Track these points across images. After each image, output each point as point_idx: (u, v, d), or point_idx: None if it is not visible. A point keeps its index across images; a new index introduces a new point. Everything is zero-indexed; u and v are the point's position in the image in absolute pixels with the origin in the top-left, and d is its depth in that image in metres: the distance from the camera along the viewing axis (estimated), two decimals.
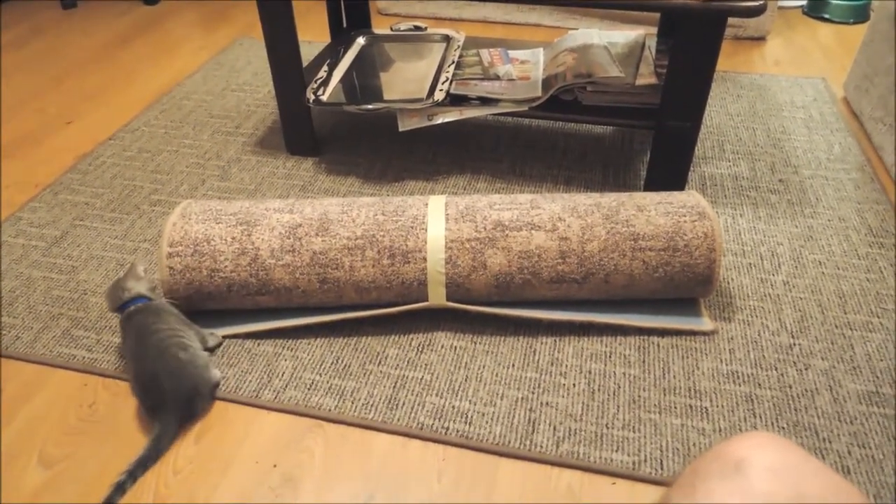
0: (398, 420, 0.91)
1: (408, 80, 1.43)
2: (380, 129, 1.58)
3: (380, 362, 0.99)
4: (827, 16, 2.18)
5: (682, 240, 0.98)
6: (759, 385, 0.95)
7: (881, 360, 0.98)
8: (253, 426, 0.91)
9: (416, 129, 1.33)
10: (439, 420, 0.91)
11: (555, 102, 1.31)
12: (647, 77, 1.33)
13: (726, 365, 0.98)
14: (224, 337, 1.03)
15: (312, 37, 2.05)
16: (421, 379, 0.97)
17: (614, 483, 0.84)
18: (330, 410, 0.93)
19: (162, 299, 0.98)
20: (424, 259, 0.98)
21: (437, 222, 1.00)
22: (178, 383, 0.88)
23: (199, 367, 0.91)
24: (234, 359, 1.00)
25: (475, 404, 0.93)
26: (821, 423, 0.89)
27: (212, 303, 1.02)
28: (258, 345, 1.02)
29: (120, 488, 0.82)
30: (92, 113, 1.70)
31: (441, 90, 1.33)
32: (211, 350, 0.99)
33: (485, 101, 1.33)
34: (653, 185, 1.29)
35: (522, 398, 0.94)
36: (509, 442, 0.88)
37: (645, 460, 0.85)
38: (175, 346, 0.90)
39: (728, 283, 1.12)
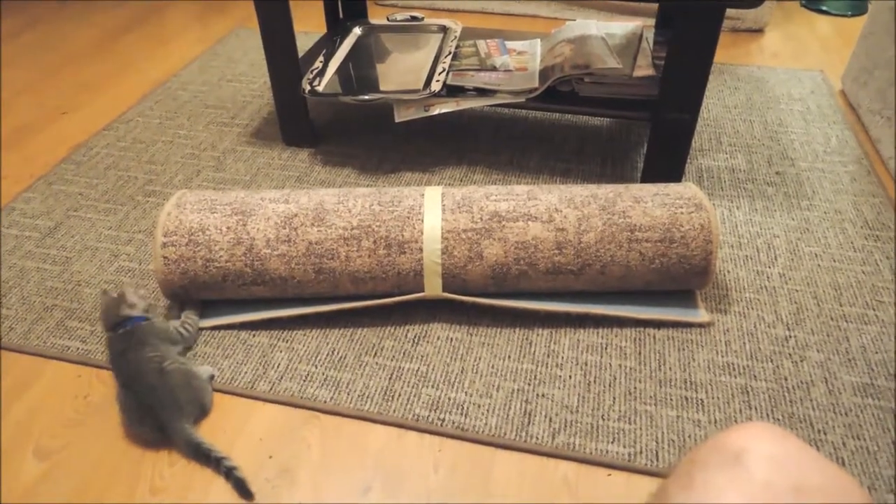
0: (394, 411, 0.91)
1: (404, 70, 1.42)
2: (376, 119, 1.58)
3: (375, 354, 0.99)
4: (825, 8, 2.17)
5: (678, 231, 0.98)
6: (755, 377, 0.95)
7: (876, 353, 0.98)
8: (248, 417, 0.91)
9: (412, 120, 1.33)
10: (435, 412, 0.91)
11: (552, 93, 1.31)
12: (644, 69, 1.32)
13: (722, 357, 0.98)
14: (219, 327, 1.03)
15: (308, 27, 2.04)
16: (417, 370, 0.96)
17: (610, 474, 0.84)
18: (326, 402, 0.92)
19: (155, 319, 0.97)
20: (420, 249, 0.98)
21: (434, 213, 0.99)
22: (178, 391, 0.88)
23: (190, 372, 0.91)
24: (229, 350, 1.00)
25: (471, 396, 0.93)
26: (816, 415, 0.89)
27: (207, 293, 1.02)
28: (253, 336, 1.02)
29: (240, 484, 0.82)
30: (87, 104, 1.69)
31: (438, 81, 1.32)
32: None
33: (481, 92, 1.32)
34: (650, 176, 1.29)
35: (518, 390, 0.93)
36: (505, 433, 0.88)
37: (641, 452, 0.85)
38: (158, 361, 0.89)
39: (724, 275, 1.12)
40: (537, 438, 0.87)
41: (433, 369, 0.97)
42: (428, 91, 1.30)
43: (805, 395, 0.92)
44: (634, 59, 1.35)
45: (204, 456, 0.84)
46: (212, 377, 0.94)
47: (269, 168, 1.41)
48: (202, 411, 0.90)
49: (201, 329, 1.03)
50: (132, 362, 0.89)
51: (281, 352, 0.99)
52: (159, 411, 0.86)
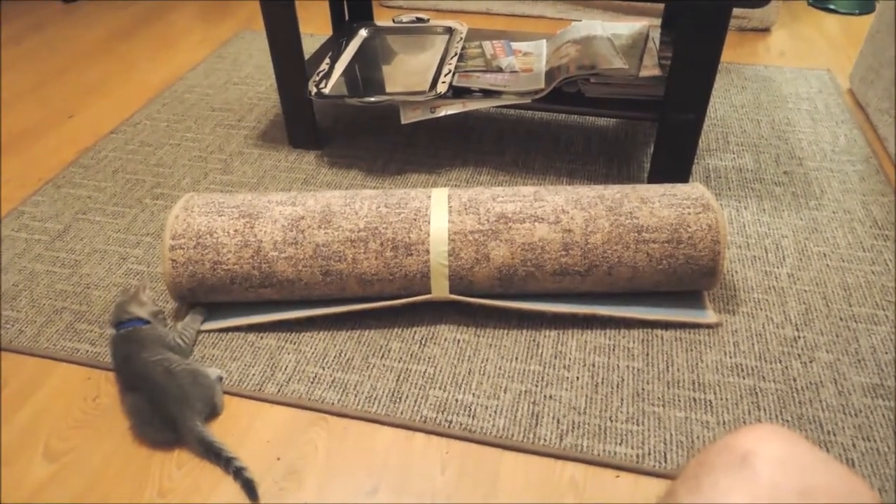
0: (401, 413, 0.91)
1: (410, 72, 1.43)
2: (382, 121, 1.58)
3: (383, 356, 0.99)
4: (832, 7, 2.16)
5: (685, 232, 0.98)
6: (764, 378, 0.94)
7: (886, 353, 0.97)
8: (256, 419, 0.91)
9: (418, 122, 1.33)
10: (443, 413, 0.91)
11: (558, 94, 1.30)
12: (650, 69, 1.32)
13: (730, 358, 0.97)
14: (227, 329, 1.03)
15: (314, 29, 2.04)
16: (424, 372, 0.96)
17: (618, 476, 0.84)
18: (333, 404, 0.93)
19: (159, 327, 0.97)
20: (427, 251, 0.98)
21: (440, 214, 0.99)
22: (188, 389, 0.88)
23: (198, 371, 0.91)
24: (237, 352, 1.00)
25: (478, 397, 0.93)
26: (825, 416, 0.89)
27: (215, 295, 1.02)
28: (261, 338, 1.02)
29: (248, 484, 0.82)
30: (93, 107, 1.70)
31: (443, 82, 1.32)
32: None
33: (487, 93, 1.32)
34: (656, 177, 1.29)
35: (526, 391, 0.93)
36: (513, 435, 0.88)
37: (649, 453, 0.85)
38: (163, 363, 0.90)
39: (732, 275, 1.11)
40: (545, 440, 0.87)
41: (440, 371, 0.97)
42: (434, 93, 1.30)
43: (814, 396, 0.92)
44: (640, 59, 1.35)
45: (214, 454, 0.84)
46: (220, 379, 0.95)
47: (276, 170, 1.42)
48: (213, 410, 0.91)
49: (209, 332, 1.03)
50: (138, 365, 0.89)
51: (288, 354, 1.00)
52: (170, 409, 0.86)
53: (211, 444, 0.84)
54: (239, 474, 0.82)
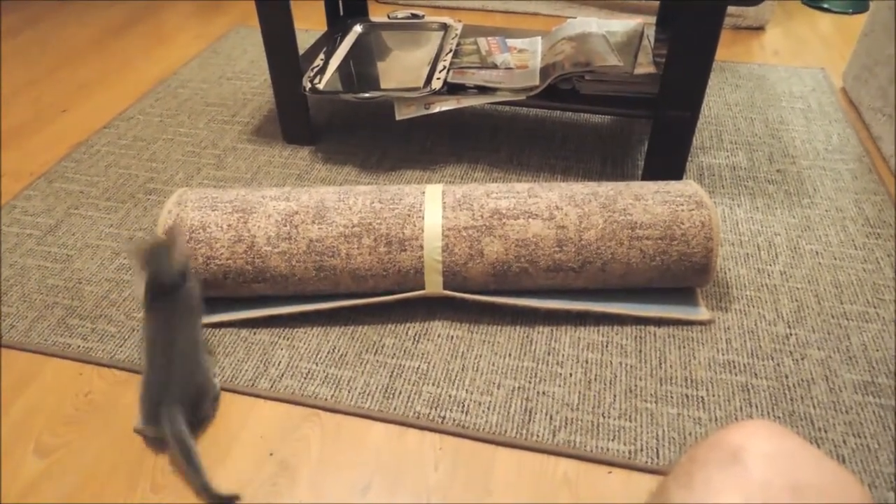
0: (394, 409, 0.91)
1: (405, 68, 1.42)
2: (377, 117, 1.58)
3: (376, 351, 0.99)
4: (826, 6, 2.17)
5: (679, 229, 0.98)
6: (756, 375, 0.95)
7: (877, 350, 0.98)
8: (249, 415, 0.91)
9: (413, 118, 1.33)
10: (436, 409, 0.91)
11: (553, 91, 1.31)
12: (645, 66, 1.32)
13: (723, 354, 0.98)
14: (220, 324, 1.03)
15: (309, 25, 2.04)
16: (417, 368, 0.96)
17: (610, 472, 0.84)
18: (326, 399, 0.92)
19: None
20: (421, 247, 0.98)
21: (434, 210, 0.99)
22: (188, 383, 0.87)
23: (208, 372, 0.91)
24: (230, 347, 1.00)
25: (472, 393, 0.93)
26: (817, 413, 0.89)
27: (207, 290, 1.01)
28: (254, 333, 1.02)
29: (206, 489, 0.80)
30: (87, 101, 1.69)
31: (438, 79, 1.32)
32: None
33: (482, 89, 1.32)
34: (651, 174, 1.29)
35: (519, 387, 0.93)
36: (506, 431, 0.88)
37: (641, 449, 0.85)
38: (200, 349, 0.89)
39: (725, 272, 1.12)
40: (538, 436, 0.87)
41: (434, 367, 0.97)
42: (429, 89, 1.30)
43: (806, 392, 0.92)
44: (635, 56, 1.35)
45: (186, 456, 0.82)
46: (216, 396, 0.94)
47: (270, 166, 1.41)
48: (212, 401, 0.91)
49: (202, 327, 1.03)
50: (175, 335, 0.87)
51: (282, 349, 1.00)
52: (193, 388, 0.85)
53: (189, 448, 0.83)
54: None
